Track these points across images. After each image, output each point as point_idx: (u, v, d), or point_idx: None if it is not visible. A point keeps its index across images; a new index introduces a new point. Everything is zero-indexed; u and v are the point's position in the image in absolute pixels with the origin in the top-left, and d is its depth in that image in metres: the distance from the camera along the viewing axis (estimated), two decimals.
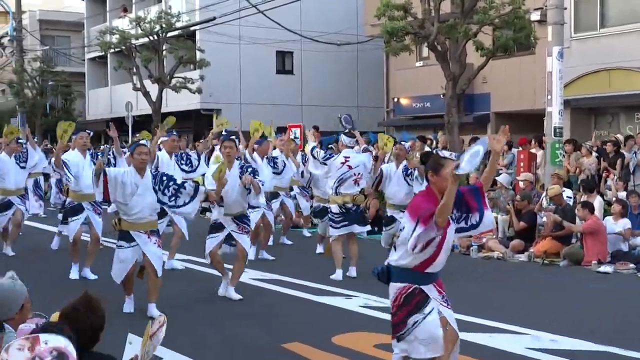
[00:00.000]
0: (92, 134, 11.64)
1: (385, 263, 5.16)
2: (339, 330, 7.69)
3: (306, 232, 15.60)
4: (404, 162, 11.01)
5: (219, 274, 9.56)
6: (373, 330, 7.76)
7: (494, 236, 13.58)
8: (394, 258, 5.08)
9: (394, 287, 5.07)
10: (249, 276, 10.70)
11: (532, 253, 12.70)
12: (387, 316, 8.26)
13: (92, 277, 10.67)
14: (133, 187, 8.16)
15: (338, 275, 10.61)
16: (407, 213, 5.01)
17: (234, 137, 9.65)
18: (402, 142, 11.61)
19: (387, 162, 12.27)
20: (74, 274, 10.72)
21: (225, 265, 9.53)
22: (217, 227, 9.27)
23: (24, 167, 13.08)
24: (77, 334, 3.61)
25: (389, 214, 11.21)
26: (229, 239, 9.33)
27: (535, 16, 21.70)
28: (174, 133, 12.31)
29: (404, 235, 4.94)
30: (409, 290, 4.99)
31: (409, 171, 10.84)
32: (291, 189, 14.32)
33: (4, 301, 4.26)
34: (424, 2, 20.06)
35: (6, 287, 4.36)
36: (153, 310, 8.17)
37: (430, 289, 5.07)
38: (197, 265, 11.54)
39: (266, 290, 9.99)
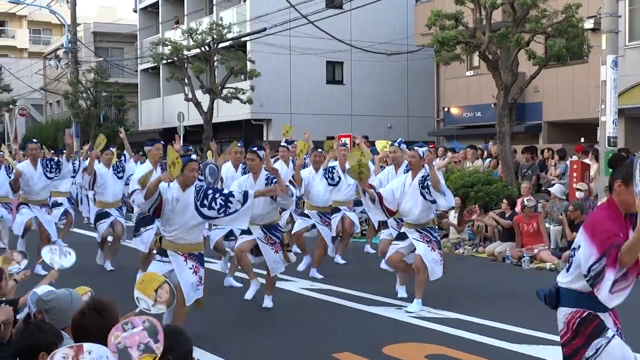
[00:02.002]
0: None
1: (555, 285, 4.57)
2: (389, 341, 7.67)
3: (369, 248, 14.32)
4: (422, 172, 9.20)
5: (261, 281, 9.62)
6: (424, 341, 7.73)
7: (546, 247, 13.42)
8: (565, 280, 4.46)
9: (564, 312, 4.45)
10: (299, 286, 10.75)
11: None
12: (438, 327, 8.27)
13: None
14: (173, 203, 7.49)
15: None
16: (584, 231, 4.26)
17: (256, 148, 9.33)
18: (416, 148, 9.39)
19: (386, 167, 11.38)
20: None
21: (256, 270, 9.63)
22: (246, 230, 9.10)
23: (121, 177, 12.58)
24: (90, 339, 3.63)
25: (401, 230, 9.58)
26: (256, 248, 9.31)
27: (588, 24, 21.40)
28: (239, 145, 11.75)
29: (580, 259, 4.23)
30: (584, 315, 4.35)
31: (426, 182, 9.07)
32: (357, 204, 12.59)
33: (62, 310, 4.34)
34: (475, 11, 19.92)
35: (62, 298, 4.45)
36: None
37: (606, 318, 4.38)
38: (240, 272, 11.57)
39: (317, 300, 10.00)
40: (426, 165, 9.10)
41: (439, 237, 9.66)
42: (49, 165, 12.29)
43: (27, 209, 12.32)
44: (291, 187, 9.70)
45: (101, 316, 3.89)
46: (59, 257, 6.10)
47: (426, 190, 9.04)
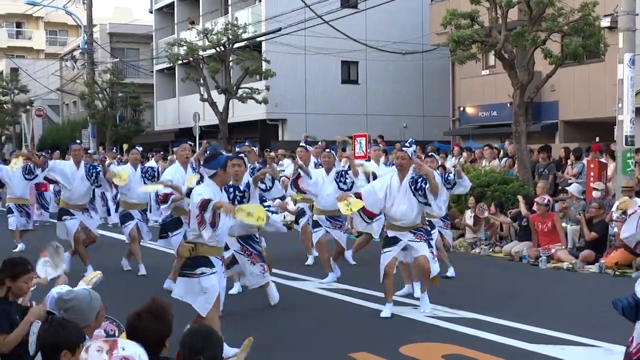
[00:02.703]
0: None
1: (634, 296, 4.35)
2: (406, 340, 7.66)
3: None
4: (411, 173, 8.71)
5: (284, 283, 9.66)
6: (441, 341, 7.72)
7: (563, 247, 13.36)
8: None
9: None
10: (315, 285, 10.75)
11: (602, 264, 12.43)
12: (455, 327, 8.25)
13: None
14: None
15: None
16: None
17: (242, 155, 9.14)
18: (405, 148, 8.91)
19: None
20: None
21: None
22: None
23: (151, 180, 11.99)
24: (144, 341, 3.66)
25: (389, 235, 8.98)
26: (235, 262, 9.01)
27: (605, 23, 21.29)
28: (247, 144, 11.73)
29: None
30: None
31: (420, 184, 8.56)
32: None
33: (81, 310, 4.36)
34: (491, 10, 19.85)
35: (82, 297, 4.47)
36: None
37: None
38: None
39: (333, 299, 9.99)
40: (414, 165, 8.64)
41: (431, 234, 9.47)
42: (91, 172, 11.84)
43: (71, 219, 11.81)
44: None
45: (157, 320, 3.90)
46: (51, 267, 6.02)
47: (420, 192, 8.53)
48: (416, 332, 8.15)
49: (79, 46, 41.23)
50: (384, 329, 8.31)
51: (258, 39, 32.55)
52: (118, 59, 43.36)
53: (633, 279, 11.86)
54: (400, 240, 8.82)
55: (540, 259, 13.09)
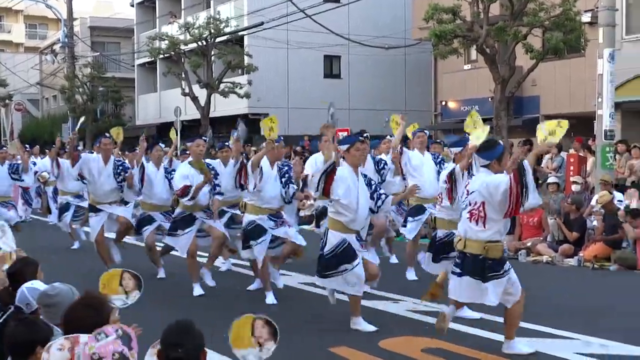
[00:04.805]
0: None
1: None
2: (386, 335, 7.67)
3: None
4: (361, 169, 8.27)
5: (252, 274, 9.82)
6: (420, 335, 7.73)
7: (541, 239, 13.43)
8: None
9: None
10: (297, 280, 10.75)
11: (581, 257, 12.52)
12: (434, 320, 8.24)
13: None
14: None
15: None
16: None
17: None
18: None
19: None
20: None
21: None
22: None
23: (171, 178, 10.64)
24: (79, 332, 3.61)
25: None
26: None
27: (586, 18, 21.42)
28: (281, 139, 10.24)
29: None
30: None
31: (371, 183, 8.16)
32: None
33: (64, 306, 4.32)
34: (472, 4, 19.93)
35: (65, 293, 4.45)
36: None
37: None
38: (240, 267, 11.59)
39: (313, 294, 9.97)
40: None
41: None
42: (118, 169, 10.91)
43: (96, 217, 11.02)
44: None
45: (94, 311, 3.87)
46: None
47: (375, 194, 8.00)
48: (396, 326, 8.15)
49: (59, 40, 40.90)
50: None
51: (240, 33, 32.48)
52: (99, 53, 43.13)
53: (611, 272, 11.96)
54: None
55: (520, 252, 13.15)
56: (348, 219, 7.72)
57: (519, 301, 6.93)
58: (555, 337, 7.60)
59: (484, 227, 6.73)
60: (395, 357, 6.94)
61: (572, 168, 15.83)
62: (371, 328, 7.86)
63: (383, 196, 7.98)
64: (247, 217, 9.35)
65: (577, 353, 7.00)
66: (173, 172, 10.77)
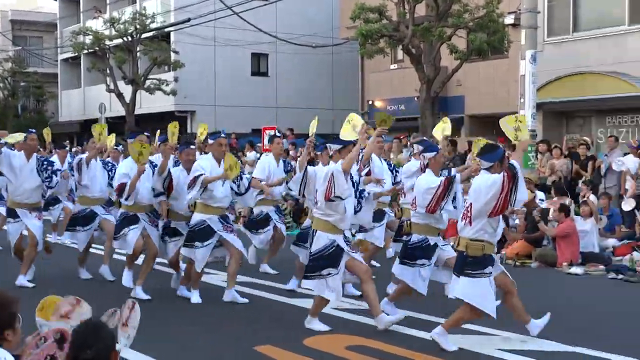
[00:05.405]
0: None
1: None
2: (311, 333, 7.68)
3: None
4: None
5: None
6: (345, 332, 7.77)
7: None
8: None
9: None
10: (220, 279, 10.65)
11: (504, 255, 12.76)
12: (359, 318, 8.31)
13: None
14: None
15: None
16: None
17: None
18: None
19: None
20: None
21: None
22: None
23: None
24: None
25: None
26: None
27: (509, 20, 21.86)
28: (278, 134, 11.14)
29: None
30: None
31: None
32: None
33: None
34: (399, 5, 20.11)
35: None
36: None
37: None
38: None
39: (240, 293, 9.92)
40: None
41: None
42: (43, 165, 10.49)
43: (14, 224, 10.41)
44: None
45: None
46: None
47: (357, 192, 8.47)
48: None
49: None
50: (291, 322, 8.29)
51: (167, 30, 32.10)
52: (20, 47, 42.06)
53: (533, 269, 12.24)
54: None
55: None
56: (336, 218, 7.69)
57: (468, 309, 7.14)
58: (477, 333, 7.72)
59: (470, 225, 7.03)
60: (319, 355, 6.95)
61: None
62: (325, 327, 7.84)
63: (366, 194, 8.60)
64: (197, 217, 9.15)
65: (498, 349, 7.12)
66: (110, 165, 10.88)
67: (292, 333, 7.73)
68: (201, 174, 8.91)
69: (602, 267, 11.85)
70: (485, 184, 6.91)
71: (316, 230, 7.77)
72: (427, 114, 19.59)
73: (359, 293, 9.05)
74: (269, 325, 8.17)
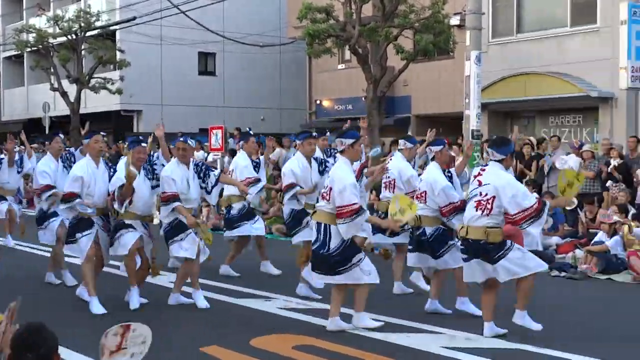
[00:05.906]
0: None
1: None
2: (257, 333, 7.65)
3: None
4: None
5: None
6: (292, 332, 7.76)
7: None
8: None
9: None
10: (168, 280, 10.55)
11: None
12: (307, 318, 8.31)
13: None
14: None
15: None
16: None
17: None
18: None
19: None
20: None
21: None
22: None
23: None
24: None
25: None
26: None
27: (454, 21, 22.11)
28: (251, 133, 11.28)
29: None
30: None
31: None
32: None
33: None
34: (345, 5, 20.17)
35: None
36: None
37: None
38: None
39: (186, 294, 9.84)
40: None
41: None
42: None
43: None
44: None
45: None
46: None
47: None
48: (267, 324, 8.14)
49: None
50: (237, 323, 8.26)
51: (112, 28, 31.72)
52: None
53: None
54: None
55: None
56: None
57: (527, 278, 7.53)
58: (422, 331, 7.78)
59: (488, 216, 7.35)
60: (266, 355, 6.92)
61: None
62: (378, 324, 7.78)
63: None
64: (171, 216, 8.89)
65: (444, 347, 7.19)
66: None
67: (238, 333, 7.70)
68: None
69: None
70: (518, 192, 7.30)
71: (330, 225, 7.63)
72: (374, 113, 19.69)
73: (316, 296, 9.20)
74: (215, 326, 8.12)
